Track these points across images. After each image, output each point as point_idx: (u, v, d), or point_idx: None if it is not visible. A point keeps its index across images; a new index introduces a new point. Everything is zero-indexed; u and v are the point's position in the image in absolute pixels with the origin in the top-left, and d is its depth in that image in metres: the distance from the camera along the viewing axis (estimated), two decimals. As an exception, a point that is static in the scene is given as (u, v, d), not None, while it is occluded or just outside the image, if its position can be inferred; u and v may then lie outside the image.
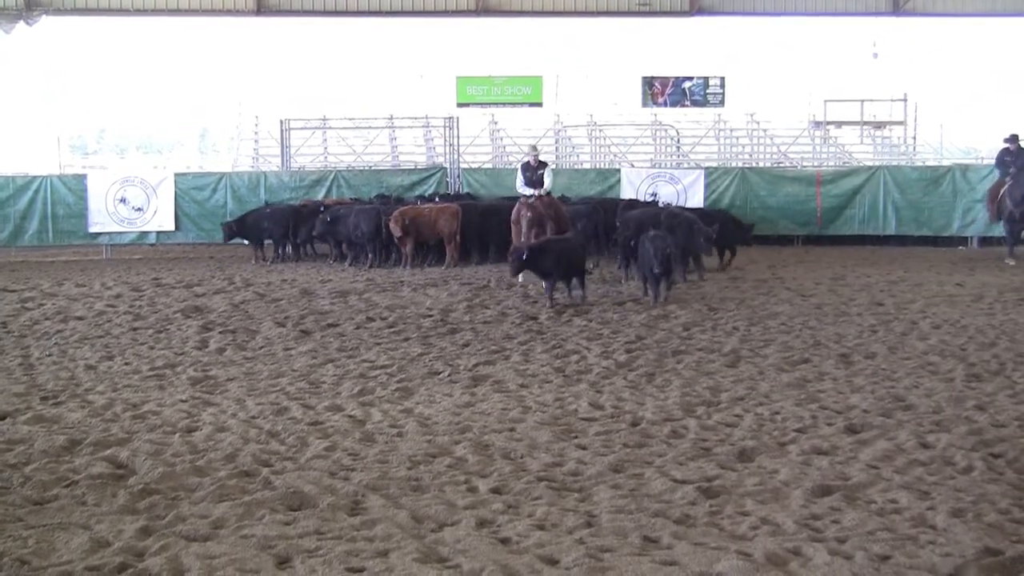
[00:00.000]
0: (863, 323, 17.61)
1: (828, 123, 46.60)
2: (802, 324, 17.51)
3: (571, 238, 21.73)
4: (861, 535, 7.76)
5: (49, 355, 15.62)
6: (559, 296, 20.02)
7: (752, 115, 44.90)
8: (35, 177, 34.26)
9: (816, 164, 39.86)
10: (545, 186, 23.83)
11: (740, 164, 39.74)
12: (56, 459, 10.04)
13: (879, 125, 48.78)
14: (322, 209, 29.63)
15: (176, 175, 34.88)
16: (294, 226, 29.79)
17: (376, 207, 28.48)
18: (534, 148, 24.88)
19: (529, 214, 23.35)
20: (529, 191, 23.77)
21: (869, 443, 10.32)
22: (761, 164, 41.70)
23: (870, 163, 40.60)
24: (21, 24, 23.78)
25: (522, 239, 22.76)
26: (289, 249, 30.38)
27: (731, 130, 45.10)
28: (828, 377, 13.50)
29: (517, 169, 24.70)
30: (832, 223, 33.98)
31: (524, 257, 19.55)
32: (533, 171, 23.83)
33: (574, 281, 20.34)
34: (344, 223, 27.80)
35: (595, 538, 7.76)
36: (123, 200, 33.26)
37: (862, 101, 47.33)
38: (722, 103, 45.42)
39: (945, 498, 8.57)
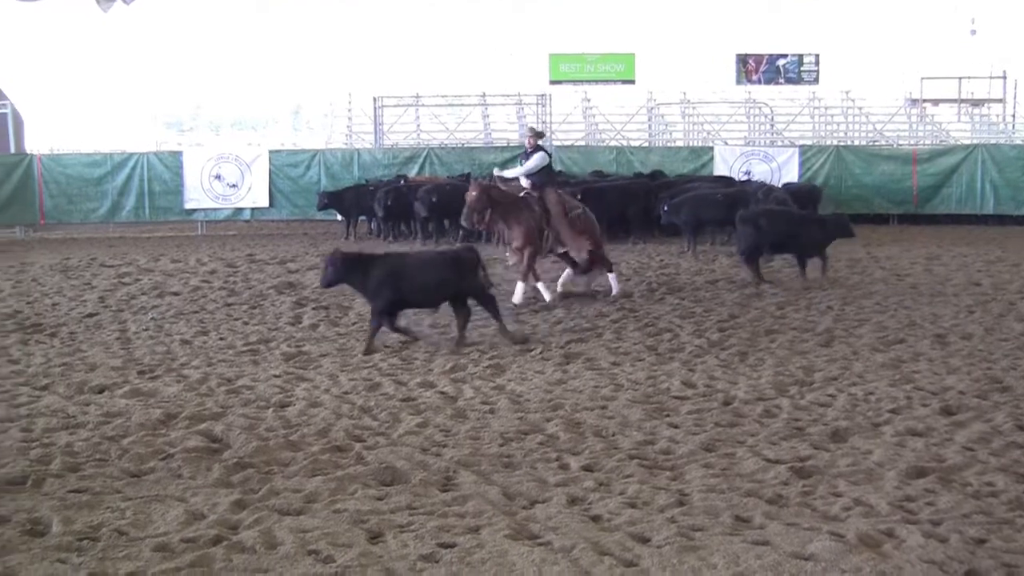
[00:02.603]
0: (959, 303, 17.39)
1: (924, 101, 45.92)
2: (897, 304, 17.32)
3: (446, 251, 16.09)
4: (956, 518, 7.67)
5: (146, 330, 15.82)
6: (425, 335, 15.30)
7: (847, 92, 44.34)
8: (132, 154, 34.67)
9: (912, 142, 39.37)
10: (513, 171, 19.85)
11: (835, 142, 39.24)
12: (152, 432, 10.19)
13: (977, 103, 48.00)
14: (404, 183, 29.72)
15: (270, 152, 35.17)
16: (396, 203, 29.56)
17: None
18: (531, 130, 20.36)
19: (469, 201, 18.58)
20: (523, 181, 19.23)
21: (965, 425, 10.20)
22: (856, 142, 41.21)
23: (967, 141, 39.94)
24: (119, 3, 24.03)
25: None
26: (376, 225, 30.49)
27: (826, 108, 44.56)
28: (923, 358, 13.33)
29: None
30: (928, 202, 33.58)
31: (337, 267, 14.52)
32: (528, 157, 19.30)
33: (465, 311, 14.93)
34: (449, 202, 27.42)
35: (686, 517, 7.74)
36: (218, 177, 33.63)
37: (959, 78, 46.57)
38: (816, 80, 44.95)
39: (1043, 481, 8.47)
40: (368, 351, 14.07)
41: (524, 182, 19.03)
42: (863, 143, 40.37)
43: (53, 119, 43.11)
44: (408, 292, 14.45)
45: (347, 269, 14.41)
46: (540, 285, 18.38)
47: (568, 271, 18.83)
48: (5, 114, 35.84)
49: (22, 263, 24.67)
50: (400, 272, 14.45)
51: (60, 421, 10.65)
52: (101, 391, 12.03)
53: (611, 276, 18.87)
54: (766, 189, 27.24)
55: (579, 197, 26.00)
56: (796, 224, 20.30)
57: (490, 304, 14.88)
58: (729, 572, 6.76)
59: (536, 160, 18.81)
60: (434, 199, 27.95)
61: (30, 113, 39.04)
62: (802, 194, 28.39)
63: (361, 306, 17.43)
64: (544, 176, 18.88)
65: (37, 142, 38.56)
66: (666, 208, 25.21)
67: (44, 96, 41.65)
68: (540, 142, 19.27)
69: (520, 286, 18.11)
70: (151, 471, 9.00)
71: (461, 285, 14.56)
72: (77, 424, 10.55)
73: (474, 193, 18.44)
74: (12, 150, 35.56)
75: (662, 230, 27.19)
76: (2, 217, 33.74)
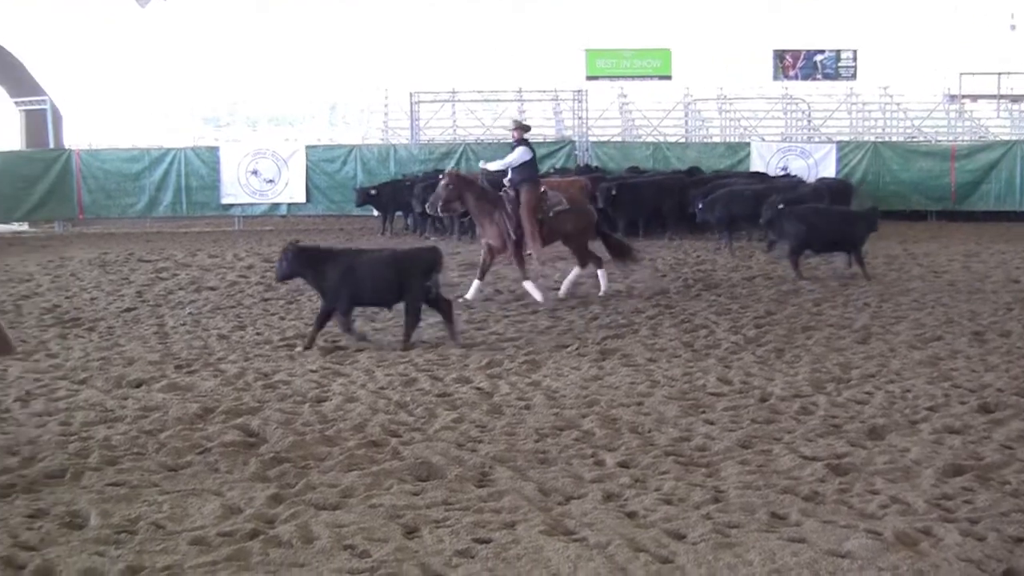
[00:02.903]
0: (998, 301, 17.30)
1: (963, 96, 45.60)
2: (935, 301, 17.25)
3: (391, 251, 15.55)
4: (994, 516, 7.64)
5: (183, 324, 15.90)
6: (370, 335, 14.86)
7: (885, 88, 44.11)
8: (169, 149, 34.80)
9: (951, 138, 39.09)
10: (496, 164, 19.18)
11: (872, 138, 39.04)
12: (190, 426, 10.25)
13: (1016, 98, 47.62)
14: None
15: (307, 147, 35.22)
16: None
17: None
18: (515, 122, 19.83)
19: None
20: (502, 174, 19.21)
21: (1003, 423, 10.15)
22: (894, 138, 40.98)
23: (1007, 137, 39.68)
24: (156, -1, 24.18)
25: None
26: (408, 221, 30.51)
27: (863, 103, 44.33)
28: (961, 355, 13.27)
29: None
30: (967, 198, 33.36)
31: (291, 260, 14.49)
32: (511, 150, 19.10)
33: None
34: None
35: (722, 514, 7.73)
36: (255, 172, 33.70)
37: (999, 74, 46.18)
38: (854, 76, 44.68)
39: (1082, 480, 8.42)
40: (308, 345, 14.13)
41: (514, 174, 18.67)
42: (901, 139, 40.14)
43: (91, 115, 43.30)
44: (360, 290, 14.30)
45: (301, 263, 14.39)
46: (528, 284, 18.21)
47: (575, 270, 18.70)
48: (44, 110, 36.04)
49: (61, 258, 24.83)
50: (352, 269, 14.28)
51: (98, 415, 10.73)
52: (139, 385, 12.11)
53: (603, 272, 18.74)
54: (795, 183, 27.30)
55: (614, 193, 26.01)
56: (840, 220, 20.46)
57: (444, 307, 14.55)
58: (765, 569, 6.75)
59: (518, 153, 18.53)
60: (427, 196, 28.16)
61: (69, 109, 39.20)
62: (836, 190, 28.29)
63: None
64: (527, 171, 18.60)
65: (76, 138, 38.72)
66: (700, 206, 25.15)
67: (82, 92, 41.85)
68: (526, 135, 19.00)
69: (529, 285, 18.11)
70: (188, 465, 9.05)
71: (413, 285, 14.23)
72: (115, 418, 10.62)
73: (444, 181, 18.64)
74: (51, 145, 35.74)
75: (698, 226, 27.08)
76: (41, 212, 33.95)
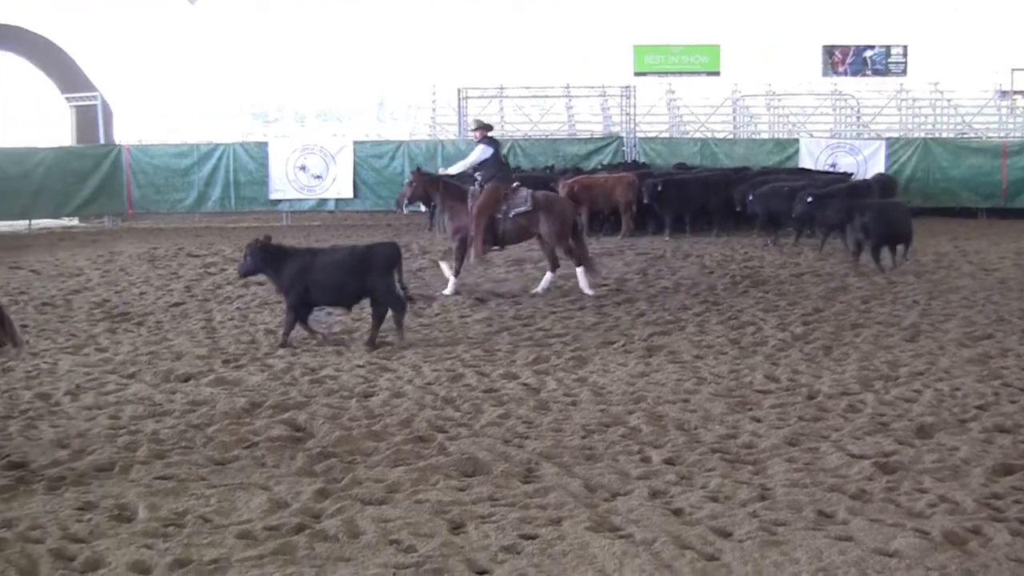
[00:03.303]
0: (1050, 299, 17.17)
1: (1015, 92, 45.21)
2: (985, 299, 17.11)
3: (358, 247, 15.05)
4: (1045, 516, 7.59)
5: (231, 319, 15.98)
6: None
7: (935, 84, 43.77)
8: (218, 145, 34.90)
9: (1002, 135, 38.81)
10: (456, 167, 19.58)
11: (922, 134, 38.77)
12: (237, 421, 10.31)
13: (1070, 95, 47.25)
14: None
15: (355, 143, 35.27)
16: None
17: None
18: (476, 122, 19.92)
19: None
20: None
21: (1054, 422, 10.08)
22: (944, 135, 40.69)
23: (1060, 134, 39.39)
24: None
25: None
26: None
27: (913, 100, 44.02)
28: (1012, 353, 13.17)
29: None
30: (1018, 195, 33.00)
31: (254, 257, 14.51)
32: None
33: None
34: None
35: (769, 511, 7.71)
36: (303, 168, 33.77)
37: (1052, 70, 45.86)
38: (904, 72, 44.32)
39: None
40: (283, 344, 14.09)
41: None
42: (951, 136, 39.86)
43: (141, 110, 43.55)
44: (316, 289, 14.15)
45: (263, 260, 14.34)
46: (452, 282, 18.26)
47: (580, 273, 18.52)
48: (95, 106, 36.23)
49: (110, 252, 24.97)
50: (309, 268, 14.16)
51: (147, 409, 10.82)
52: (187, 380, 12.19)
53: (549, 276, 18.61)
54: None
55: (659, 189, 25.92)
56: (904, 214, 20.92)
57: (398, 306, 14.28)
58: (812, 567, 6.72)
59: (478, 152, 18.85)
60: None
61: (119, 104, 39.43)
62: (882, 185, 28.20)
63: (444, 297, 17.51)
64: (492, 170, 18.72)
65: (126, 133, 38.92)
66: (752, 198, 25.08)
67: (132, 88, 42.09)
68: (489, 134, 19.15)
69: (452, 280, 18.26)
70: (235, 459, 9.11)
71: (369, 282, 14.10)
72: (163, 412, 10.70)
73: (408, 180, 19.58)
74: (101, 141, 35.92)
75: (747, 222, 26.93)
76: (91, 207, 34.17)
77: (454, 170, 19.29)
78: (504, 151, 33.01)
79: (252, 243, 14.52)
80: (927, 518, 7.55)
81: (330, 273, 14.14)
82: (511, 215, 18.41)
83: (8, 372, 12.53)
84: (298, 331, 14.34)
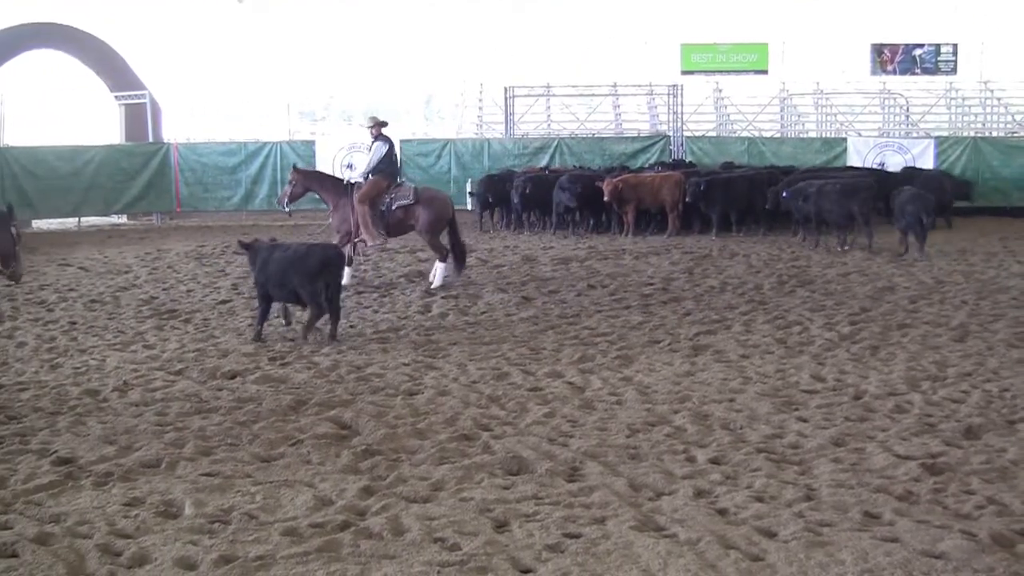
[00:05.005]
0: (1100, 299, 17.01)
1: (1066, 91, 44.89)
2: (1034, 299, 16.98)
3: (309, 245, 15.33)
4: (1095, 518, 7.52)
5: (277, 317, 16.04)
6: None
7: (986, 83, 43.46)
8: (266, 143, 35.12)
9: (1054, 134, 38.55)
10: (359, 173, 20.43)
11: (972, 133, 38.53)
12: (283, 418, 10.35)
13: (1124, 92, 46.78)
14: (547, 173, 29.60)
15: (402, 141, 35.35)
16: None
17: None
18: (372, 119, 19.83)
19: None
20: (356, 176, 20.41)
21: (1104, 423, 9.99)
22: (994, 134, 40.44)
23: (1112, 132, 39.06)
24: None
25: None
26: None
27: (963, 98, 43.75)
28: (1061, 354, 13.07)
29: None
30: (1070, 195, 32.79)
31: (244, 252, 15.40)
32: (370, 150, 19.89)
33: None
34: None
35: (814, 512, 7.67)
36: (350, 166, 33.82)
37: (1103, 68, 45.46)
38: (954, 71, 44.01)
39: None
40: (255, 338, 14.40)
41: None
42: (1002, 135, 39.59)
43: (190, 109, 43.81)
44: (268, 284, 14.42)
45: (248, 257, 14.97)
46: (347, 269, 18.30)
47: (440, 267, 19.01)
48: (144, 104, 36.51)
49: (158, 250, 25.16)
50: (265, 263, 14.44)
51: (193, 406, 10.87)
52: (233, 377, 12.24)
53: (440, 266, 18.98)
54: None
55: (702, 188, 25.83)
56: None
57: (321, 311, 14.32)
58: (857, 569, 6.68)
59: (375, 151, 19.46)
60: (527, 190, 27.98)
61: (168, 103, 39.71)
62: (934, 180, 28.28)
63: (490, 295, 17.53)
64: (381, 164, 19.37)
65: (174, 131, 39.17)
66: (785, 194, 24.93)
67: (181, 86, 42.34)
68: (384, 131, 19.68)
69: (347, 270, 18.30)
70: (281, 456, 9.14)
71: (296, 282, 14.15)
72: (210, 409, 10.74)
73: (290, 177, 20.59)
74: (150, 139, 36.18)
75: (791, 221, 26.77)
76: (140, 205, 34.48)
77: (360, 176, 19.78)
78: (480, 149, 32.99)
79: (240, 241, 15.42)
80: (974, 520, 7.50)
81: (276, 270, 14.33)
82: (394, 208, 19.14)
83: (57, 368, 12.65)
84: (346, 328, 14.36)
